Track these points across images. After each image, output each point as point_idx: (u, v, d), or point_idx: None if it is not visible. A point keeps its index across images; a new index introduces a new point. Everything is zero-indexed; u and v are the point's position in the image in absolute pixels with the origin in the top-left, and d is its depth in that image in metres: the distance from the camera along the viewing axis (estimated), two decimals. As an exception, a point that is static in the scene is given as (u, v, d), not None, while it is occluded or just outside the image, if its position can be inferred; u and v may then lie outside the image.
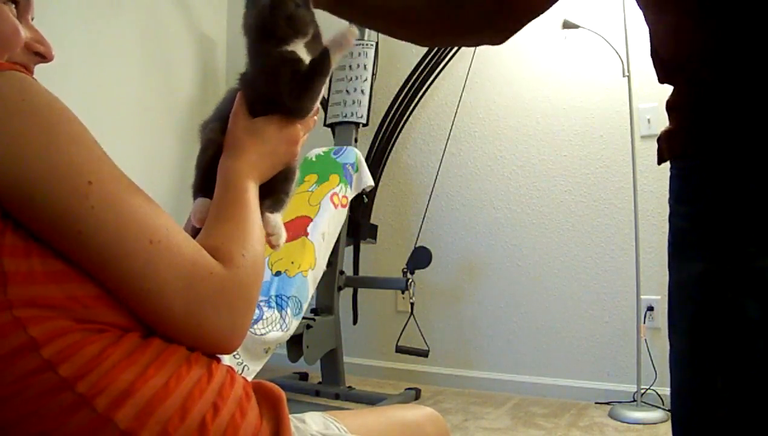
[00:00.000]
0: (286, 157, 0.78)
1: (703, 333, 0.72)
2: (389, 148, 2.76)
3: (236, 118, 0.76)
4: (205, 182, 0.75)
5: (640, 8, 0.80)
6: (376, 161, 2.72)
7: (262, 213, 0.77)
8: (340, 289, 2.59)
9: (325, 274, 2.30)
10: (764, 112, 0.68)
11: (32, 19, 0.69)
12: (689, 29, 0.73)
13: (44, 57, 0.69)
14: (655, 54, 0.80)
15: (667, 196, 0.81)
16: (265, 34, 0.75)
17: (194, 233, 0.69)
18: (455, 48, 2.70)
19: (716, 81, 0.72)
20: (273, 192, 0.79)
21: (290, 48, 0.75)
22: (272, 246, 0.79)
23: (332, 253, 2.36)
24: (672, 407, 0.77)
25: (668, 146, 0.79)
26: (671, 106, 0.79)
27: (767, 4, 0.66)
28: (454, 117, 2.77)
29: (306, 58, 0.75)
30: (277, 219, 0.80)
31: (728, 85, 0.71)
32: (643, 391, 2.39)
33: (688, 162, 0.76)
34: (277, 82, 0.74)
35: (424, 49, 2.72)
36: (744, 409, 0.68)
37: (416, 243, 2.67)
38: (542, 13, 0.85)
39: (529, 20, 0.85)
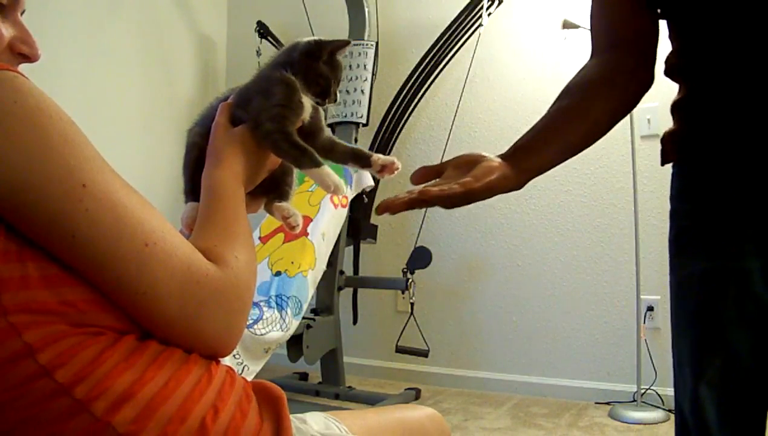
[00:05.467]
0: (269, 164, 0.79)
1: (706, 327, 0.73)
2: (389, 148, 2.76)
3: (217, 128, 0.77)
4: (194, 186, 0.78)
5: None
6: (376, 161, 2.71)
7: (271, 204, 0.84)
8: (340, 289, 2.59)
9: (325, 274, 2.30)
10: (763, 115, 0.69)
11: (22, 14, 0.66)
12: (701, 32, 0.75)
13: (28, 58, 0.66)
14: (673, 53, 0.81)
15: (668, 195, 0.81)
16: (305, 54, 0.77)
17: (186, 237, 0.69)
18: (454, 48, 2.70)
19: (718, 84, 0.73)
20: (276, 186, 0.84)
21: (294, 78, 0.76)
22: (291, 228, 0.83)
23: (332, 253, 2.35)
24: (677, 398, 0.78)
25: (672, 147, 0.80)
26: (676, 106, 0.79)
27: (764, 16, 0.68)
28: (454, 117, 2.76)
29: (307, 104, 0.77)
30: (288, 204, 0.85)
31: (728, 89, 0.72)
32: (643, 391, 2.39)
33: (690, 162, 0.76)
34: (267, 97, 0.75)
35: (424, 49, 2.72)
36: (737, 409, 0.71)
37: (416, 243, 2.67)
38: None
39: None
